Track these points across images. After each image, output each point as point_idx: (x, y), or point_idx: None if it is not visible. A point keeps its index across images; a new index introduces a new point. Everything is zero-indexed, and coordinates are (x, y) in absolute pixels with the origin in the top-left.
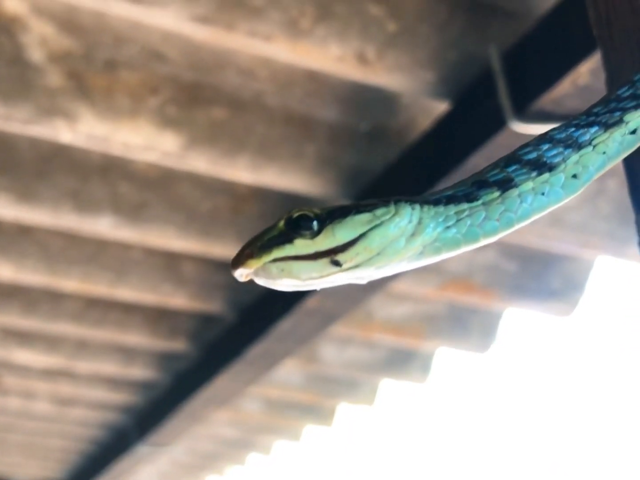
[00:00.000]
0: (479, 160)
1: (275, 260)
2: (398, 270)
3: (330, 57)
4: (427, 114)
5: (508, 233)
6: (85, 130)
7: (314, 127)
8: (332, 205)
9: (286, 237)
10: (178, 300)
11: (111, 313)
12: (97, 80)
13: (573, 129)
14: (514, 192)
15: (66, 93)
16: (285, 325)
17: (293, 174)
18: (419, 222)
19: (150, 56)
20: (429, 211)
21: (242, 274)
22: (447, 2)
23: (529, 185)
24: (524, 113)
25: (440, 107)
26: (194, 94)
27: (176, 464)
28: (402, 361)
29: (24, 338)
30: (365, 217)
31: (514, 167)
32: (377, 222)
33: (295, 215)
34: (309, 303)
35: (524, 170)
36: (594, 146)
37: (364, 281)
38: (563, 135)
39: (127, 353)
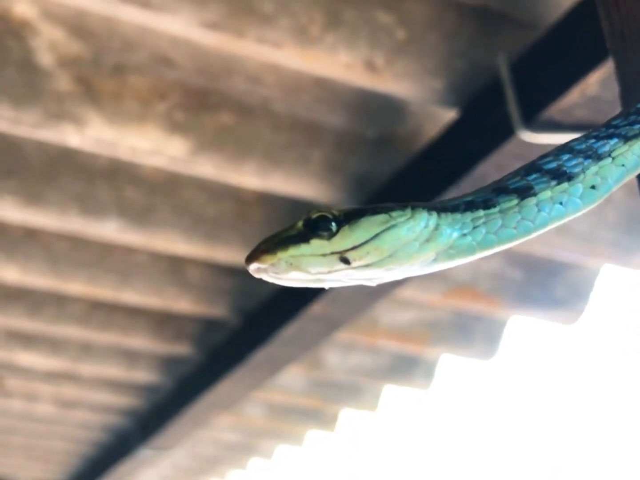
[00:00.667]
0: (487, 168)
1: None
2: (409, 274)
3: (339, 64)
4: (435, 121)
5: (524, 241)
6: (93, 135)
7: (321, 133)
8: (349, 207)
9: (304, 237)
10: (182, 304)
11: (115, 316)
12: (105, 85)
13: (593, 140)
14: (531, 201)
15: (74, 97)
16: (290, 330)
17: (299, 180)
18: (435, 229)
19: (159, 61)
20: (447, 218)
21: (255, 269)
22: (456, 10)
23: (547, 194)
24: (533, 122)
25: (448, 115)
26: (202, 100)
27: (178, 467)
28: (405, 367)
29: (28, 340)
30: (380, 218)
31: (534, 176)
32: (392, 223)
33: (315, 216)
34: (314, 309)
35: (544, 179)
36: (614, 158)
37: (373, 283)
38: (583, 146)
39: (131, 356)
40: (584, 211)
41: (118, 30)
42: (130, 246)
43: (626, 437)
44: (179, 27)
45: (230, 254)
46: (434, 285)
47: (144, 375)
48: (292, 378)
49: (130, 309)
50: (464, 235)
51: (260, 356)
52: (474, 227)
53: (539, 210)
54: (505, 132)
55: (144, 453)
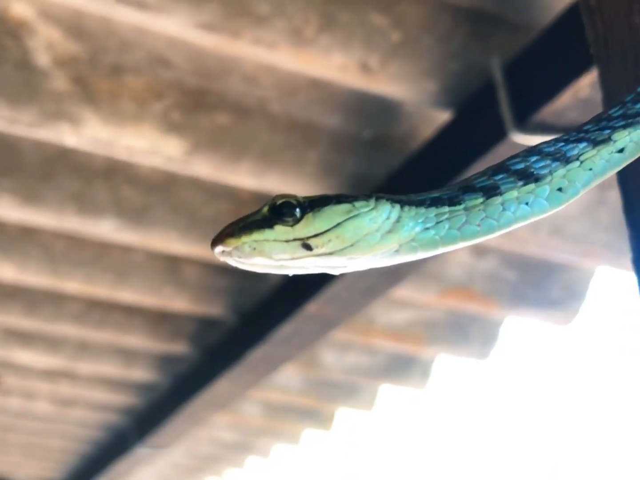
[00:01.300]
0: (480, 170)
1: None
2: (372, 264)
3: (333, 65)
4: (429, 123)
5: (489, 238)
6: (90, 134)
7: (316, 134)
8: (315, 195)
9: (268, 222)
10: (179, 303)
11: (112, 315)
12: (102, 85)
13: (562, 144)
14: (497, 200)
15: (71, 97)
16: (286, 330)
17: (295, 181)
18: (397, 221)
19: (156, 62)
20: (410, 211)
21: (219, 252)
22: (450, 13)
23: (513, 194)
24: (525, 124)
25: (442, 116)
26: (198, 100)
27: (175, 466)
28: (401, 367)
29: (25, 338)
30: (344, 207)
31: (501, 176)
32: (354, 213)
33: (279, 202)
34: (310, 308)
35: (511, 180)
36: (582, 162)
37: (336, 272)
38: (552, 148)
39: (127, 355)
40: (550, 213)
41: (115, 30)
42: (127, 245)
43: (622, 437)
44: (175, 27)
45: None
46: (429, 286)
47: (141, 373)
48: (289, 377)
49: (127, 307)
50: (427, 229)
51: (257, 355)
52: (437, 222)
53: (504, 210)
54: (498, 134)
55: (141, 451)
